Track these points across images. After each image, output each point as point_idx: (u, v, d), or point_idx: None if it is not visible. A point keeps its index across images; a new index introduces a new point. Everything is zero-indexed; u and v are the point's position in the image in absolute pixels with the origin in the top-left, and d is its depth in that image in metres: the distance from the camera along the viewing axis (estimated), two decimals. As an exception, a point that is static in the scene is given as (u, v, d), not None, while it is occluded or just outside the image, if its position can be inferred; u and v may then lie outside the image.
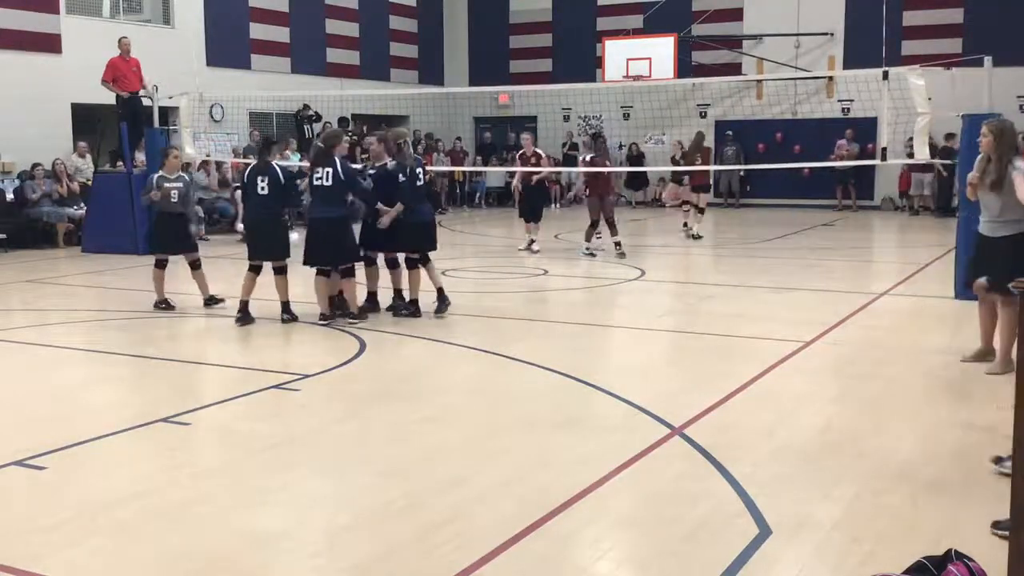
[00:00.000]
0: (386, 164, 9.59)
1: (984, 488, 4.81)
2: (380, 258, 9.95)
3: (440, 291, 9.56)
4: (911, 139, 17.48)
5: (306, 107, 21.42)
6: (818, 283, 11.77)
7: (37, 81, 17.14)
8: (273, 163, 9.58)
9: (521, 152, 15.25)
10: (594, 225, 14.35)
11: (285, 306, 9.41)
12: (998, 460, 4.94)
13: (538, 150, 15.21)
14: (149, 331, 9.27)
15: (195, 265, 10.26)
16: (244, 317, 9.30)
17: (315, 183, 9.11)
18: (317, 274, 9.32)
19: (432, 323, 9.31)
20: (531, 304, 10.91)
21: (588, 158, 14.82)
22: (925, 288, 11.06)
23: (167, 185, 10.15)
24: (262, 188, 9.30)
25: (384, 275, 9.87)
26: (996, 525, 4.19)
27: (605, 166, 14.55)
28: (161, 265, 10.21)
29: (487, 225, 20.46)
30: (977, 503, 4.62)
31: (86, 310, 10.63)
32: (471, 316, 9.64)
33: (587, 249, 14.42)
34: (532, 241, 15.00)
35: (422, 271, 9.52)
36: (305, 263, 9.32)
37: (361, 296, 9.76)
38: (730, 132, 23.82)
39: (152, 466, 5.37)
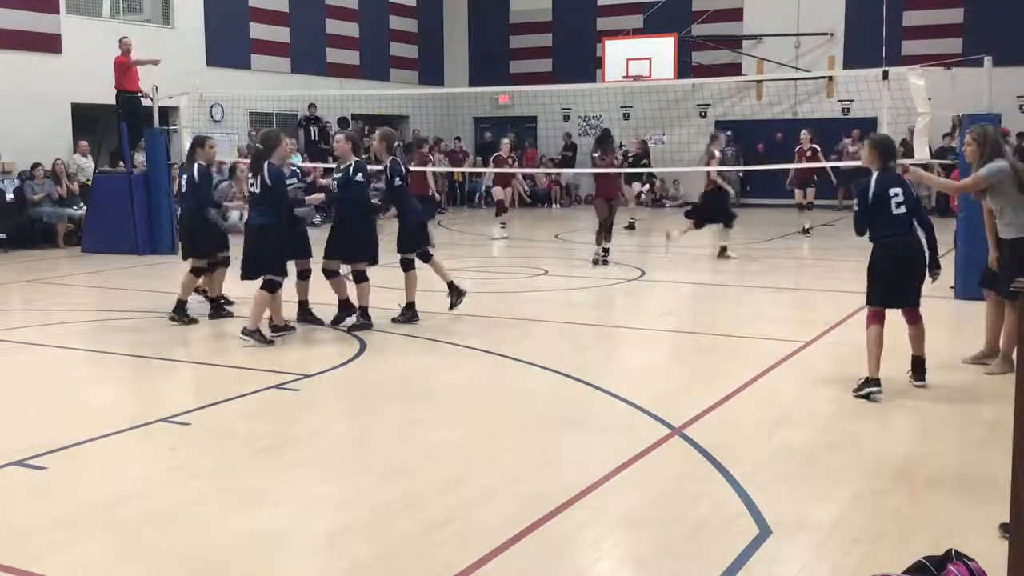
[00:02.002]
0: (351, 165, 8.96)
1: (984, 488, 4.81)
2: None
3: (451, 284, 9.53)
4: (903, 140, 17.55)
5: (312, 107, 21.44)
6: (818, 283, 11.77)
7: (37, 81, 17.14)
8: (197, 162, 9.51)
9: (715, 156, 14.15)
10: (601, 228, 13.67)
11: (221, 300, 9.57)
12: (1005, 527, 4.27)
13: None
14: (149, 331, 9.26)
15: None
16: (181, 316, 9.35)
17: (250, 188, 8.70)
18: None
19: (432, 323, 9.30)
20: (531, 304, 10.90)
21: (597, 158, 13.97)
22: (925, 288, 11.02)
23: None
24: (182, 186, 9.53)
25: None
26: (1005, 528, 4.17)
27: (613, 165, 13.82)
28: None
29: (487, 225, 20.43)
30: (977, 503, 4.63)
31: (86, 310, 10.63)
32: (471, 316, 9.63)
33: (599, 256, 13.71)
34: (724, 248, 14.03)
35: (415, 273, 9.33)
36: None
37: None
38: (730, 132, 23.76)
39: (152, 466, 5.37)
